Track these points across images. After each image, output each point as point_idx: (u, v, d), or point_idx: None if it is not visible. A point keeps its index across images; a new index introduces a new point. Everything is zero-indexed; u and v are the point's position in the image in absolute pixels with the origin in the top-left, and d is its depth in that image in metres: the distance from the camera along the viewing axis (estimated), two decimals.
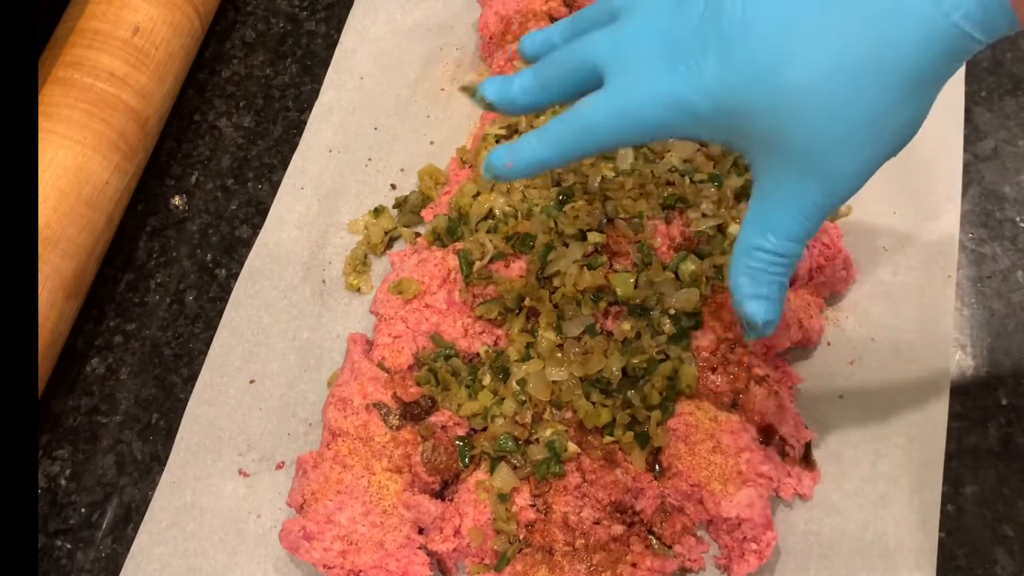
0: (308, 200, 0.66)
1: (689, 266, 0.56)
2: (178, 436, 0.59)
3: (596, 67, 0.42)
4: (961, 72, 0.66)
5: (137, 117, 0.63)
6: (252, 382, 0.60)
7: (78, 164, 0.59)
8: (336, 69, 0.72)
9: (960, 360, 0.58)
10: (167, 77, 0.66)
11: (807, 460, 0.55)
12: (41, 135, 0.59)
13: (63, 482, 0.58)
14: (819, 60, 0.37)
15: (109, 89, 0.61)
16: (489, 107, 0.46)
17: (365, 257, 0.64)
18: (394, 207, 0.65)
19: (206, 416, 0.59)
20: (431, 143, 0.68)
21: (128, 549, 0.55)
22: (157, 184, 0.68)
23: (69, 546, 0.56)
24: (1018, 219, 0.63)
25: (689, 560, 0.53)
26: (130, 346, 0.62)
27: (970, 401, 0.57)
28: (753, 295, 0.42)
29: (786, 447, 0.54)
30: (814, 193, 0.40)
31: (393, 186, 0.67)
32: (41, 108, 0.60)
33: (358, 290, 0.63)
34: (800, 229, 0.41)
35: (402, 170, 0.67)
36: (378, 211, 0.65)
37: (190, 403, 0.60)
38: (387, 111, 0.70)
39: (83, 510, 0.57)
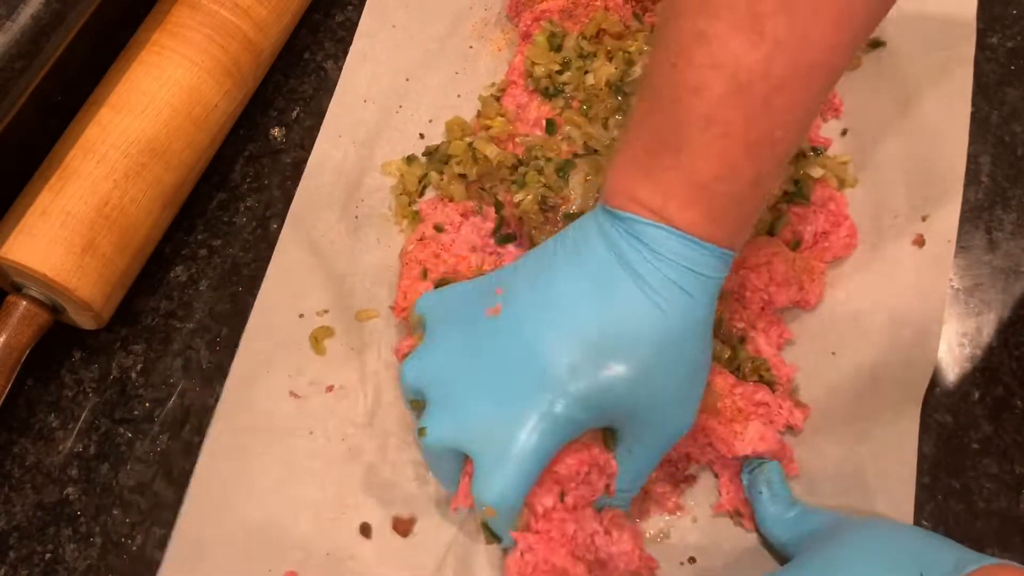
0: (345, 148, 0.68)
1: None
2: (233, 364, 0.61)
3: None
4: (969, 55, 0.69)
5: (252, 48, 0.66)
6: (301, 316, 0.63)
7: (192, 84, 0.63)
8: (370, 13, 0.73)
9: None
10: (285, 14, 0.69)
11: (795, 394, 0.58)
12: (164, 53, 0.63)
13: (133, 375, 0.62)
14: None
15: (231, 18, 0.65)
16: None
17: (409, 203, 0.67)
18: (424, 155, 0.68)
19: (257, 348, 0.62)
20: (458, 96, 0.70)
21: (181, 447, 0.59)
22: (260, 113, 0.70)
23: (129, 435, 0.60)
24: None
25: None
26: (212, 260, 0.66)
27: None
28: None
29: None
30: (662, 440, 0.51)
31: (421, 135, 0.70)
32: (168, 28, 0.63)
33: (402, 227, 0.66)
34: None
35: (430, 121, 0.70)
36: (410, 159, 0.68)
37: (244, 336, 0.62)
38: (417, 63, 0.71)
39: (147, 404, 0.61)
